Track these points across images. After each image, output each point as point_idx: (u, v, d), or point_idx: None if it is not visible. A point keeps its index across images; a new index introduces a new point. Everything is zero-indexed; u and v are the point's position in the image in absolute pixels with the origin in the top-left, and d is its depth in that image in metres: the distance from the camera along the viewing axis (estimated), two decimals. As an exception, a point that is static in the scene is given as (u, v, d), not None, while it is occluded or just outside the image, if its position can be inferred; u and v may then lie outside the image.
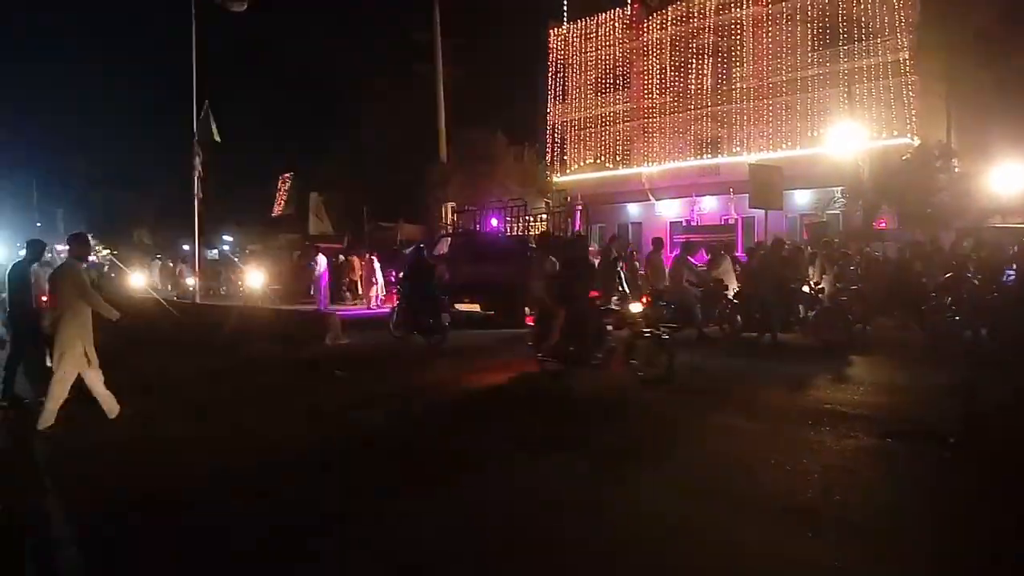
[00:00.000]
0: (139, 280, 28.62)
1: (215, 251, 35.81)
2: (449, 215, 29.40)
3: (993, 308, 10.93)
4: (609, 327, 9.29)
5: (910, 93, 25.21)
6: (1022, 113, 20.64)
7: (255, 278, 23.36)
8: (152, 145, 43.86)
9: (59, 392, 6.86)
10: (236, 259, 31.27)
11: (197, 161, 21.28)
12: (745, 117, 29.15)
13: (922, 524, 4.70)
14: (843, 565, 4.11)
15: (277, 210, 41.53)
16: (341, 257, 26.01)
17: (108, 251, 42.99)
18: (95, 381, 7.09)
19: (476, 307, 20.17)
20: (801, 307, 12.68)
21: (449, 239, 22.61)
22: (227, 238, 39.22)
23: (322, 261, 20.82)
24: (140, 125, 46.62)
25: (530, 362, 9.82)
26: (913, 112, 25.07)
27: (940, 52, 22.86)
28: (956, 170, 21.45)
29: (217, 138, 21.54)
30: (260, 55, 48.34)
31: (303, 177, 38.63)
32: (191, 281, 25.31)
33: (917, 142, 23.66)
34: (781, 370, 10.10)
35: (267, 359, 12.09)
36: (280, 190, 42.14)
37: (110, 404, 7.18)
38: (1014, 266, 12.36)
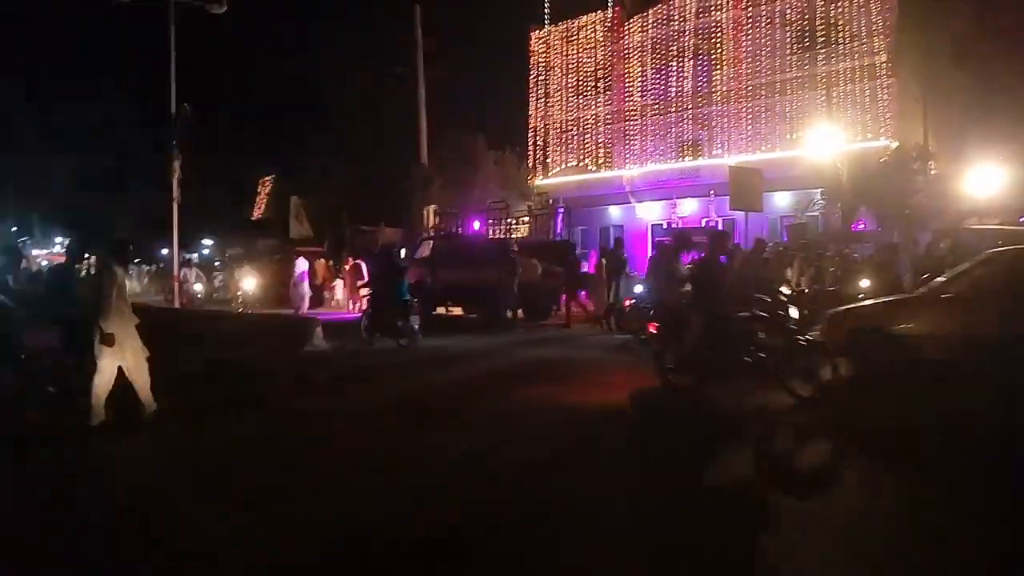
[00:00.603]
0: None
1: (195, 255, 35.51)
2: (431, 218, 29.33)
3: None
4: (761, 335, 7.98)
5: (887, 96, 25.52)
6: (997, 116, 20.90)
7: (249, 283, 23.04)
8: (131, 149, 43.44)
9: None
10: (217, 263, 31.03)
11: (176, 164, 21.04)
12: (725, 120, 29.37)
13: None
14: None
15: (257, 214, 41.29)
16: (322, 261, 25.88)
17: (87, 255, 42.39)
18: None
19: (459, 310, 20.18)
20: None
21: (431, 242, 22.60)
22: (206, 242, 38.93)
23: (301, 265, 20.69)
24: (118, 128, 46.16)
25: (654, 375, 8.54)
26: (890, 115, 25.37)
27: (917, 56, 23.12)
28: (933, 172, 21.70)
29: (188, 112, 20.73)
30: (240, 57, 48.00)
31: (283, 180, 38.42)
32: (199, 287, 24.84)
33: (895, 145, 23.91)
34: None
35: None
36: (260, 193, 41.89)
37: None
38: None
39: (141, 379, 7.18)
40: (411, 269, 22.10)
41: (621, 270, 18.03)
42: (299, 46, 40.42)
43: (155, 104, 23.07)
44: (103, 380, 6.98)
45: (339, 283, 24.51)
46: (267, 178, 41.06)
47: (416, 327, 13.38)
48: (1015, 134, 20.61)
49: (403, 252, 19.92)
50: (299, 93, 37.52)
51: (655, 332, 9.20)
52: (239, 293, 23.45)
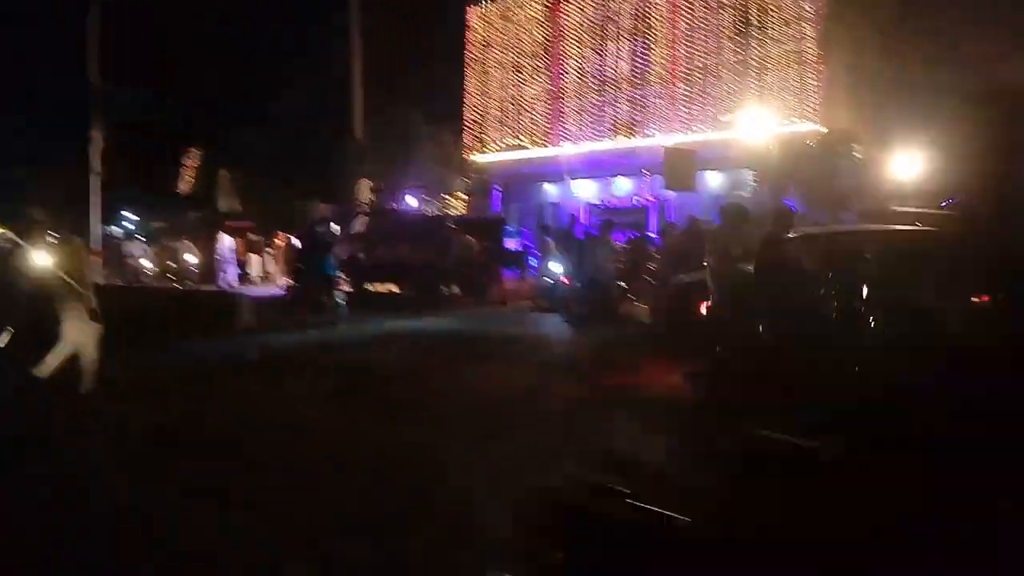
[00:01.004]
0: (43, 260, 26.69)
1: (118, 229, 34.03)
2: (365, 193, 28.83)
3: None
4: None
5: (816, 82, 26.10)
6: (918, 105, 21.66)
7: (190, 257, 21.76)
8: (52, 120, 41.24)
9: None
10: (143, 237, 29.84)
11: (97, 135, 20.08)
12: (660, 101, 29.59)
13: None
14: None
15: (183, 187, 39.84)
16: (252, 236, 25.17)
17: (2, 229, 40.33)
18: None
19: (393, 288, 19.93)
20: None
21: (365, 218, 22.23)
22: (129, 216, 37.41)
23: (226, 240, 20.05)
24: (37, 99, 43.68)
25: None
26: (818, 100, 25.97)
27: (845, 44, 23.70)
28: (858, 156, 22.36)
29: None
30: (165, 25, 45.99)
31: (211, 153, 37.13)
32: (146, 263, 22.22)
33: (823, 129, 24.51)
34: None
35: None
36: (186, 166, 40.41)
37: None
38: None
39: (85, 354, 7.11)
40: (345, 245, 21.81)
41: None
42: (228, 14, 38.90)
43: (77, 77, 21.90)
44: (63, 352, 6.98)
45: (253, 258, 23.63)
46: (193, 150, 39.61)
47: (343, 303, 13.27)
48: (934, 121, 21.41)
49: (336, 228, 19.54)
50: (229, 63, 36.24)
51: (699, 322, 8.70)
52: (175, 267, 22.25)
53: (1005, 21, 20.71)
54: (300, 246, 15.41)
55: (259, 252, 24.15)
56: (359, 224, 21.52)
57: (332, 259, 13.77)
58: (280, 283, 21.66)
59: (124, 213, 36.64)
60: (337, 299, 13.16)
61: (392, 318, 14.52)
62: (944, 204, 17.55)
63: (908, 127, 21.41)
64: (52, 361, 6.89)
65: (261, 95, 34.71)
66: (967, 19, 21.27)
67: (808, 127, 25.33)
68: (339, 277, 13.66)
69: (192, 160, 39.61)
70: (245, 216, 30.13)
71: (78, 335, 6.89)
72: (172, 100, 36.05)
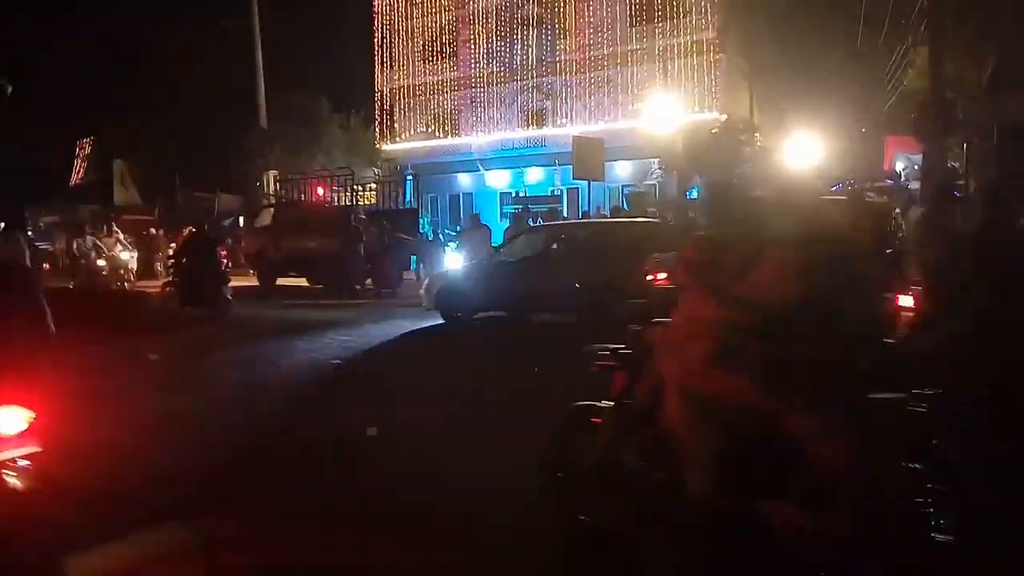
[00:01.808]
0: None
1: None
2: (271, 184, 28.02)
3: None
4: None
5: (716, 71, 26.86)
6: (813, 93, 22.58)
7: (127, 255, 19.63)
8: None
9: None
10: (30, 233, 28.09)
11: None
12: (568, 90, 29.84)
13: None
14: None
15: (76, 179, 37.81)
16: (152, 231, 24.10)
17: None
18: None
19: (302, 280, 19.49)
20: None
21: (272, 209, 21.63)
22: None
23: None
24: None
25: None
26: (719, 89, 26.75)
27: (742, 34, 24.46)
28: (759, 144, 23.13)
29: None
30: (56, 8, 43.35)
31: (105, 142, 35.31)
32: (126, 256, 19.23)
33: (724, 117, 25.25)
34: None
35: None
36: (79, 156, 38.34)
37: None
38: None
39: None
40: (250, 238, 21.18)
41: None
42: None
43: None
44: None
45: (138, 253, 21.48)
46: (86, 140, 37.59)
47: (228, 297, 13.06)
48: (827, 110, 22.37)
49: (241, 220, 18.94)
50: (122, 46, 34.45)
51: None
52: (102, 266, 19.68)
53: (897, 11, 21.79)
54: (186, 239, 14.76)
55: (151, 247, 22.60)
56: (265, 216, 20.93)
57: (218, 254, 13.44)
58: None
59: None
60: (226, 293, 12.90)
61: (303, 312, 14.22)
62: (835, 188, 18.43)
63: (803, 115, 22.31)
64: None
65: (159, 82, 33.19)
66: (858, 11, 22.30)
67: (710, 116, 26.06)
68: (225, 271, 13.54)
69: (84, 151, 37.62)
70: (145, 209, 28.84)
71: None
72: (60, 87, 34.14)
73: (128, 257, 19.15)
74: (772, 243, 2.92)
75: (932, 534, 2.59)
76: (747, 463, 2.68)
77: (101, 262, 18.00)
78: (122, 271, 18.59)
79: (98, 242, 18.23)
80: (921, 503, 2.68)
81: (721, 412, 2.72)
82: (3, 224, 11.92)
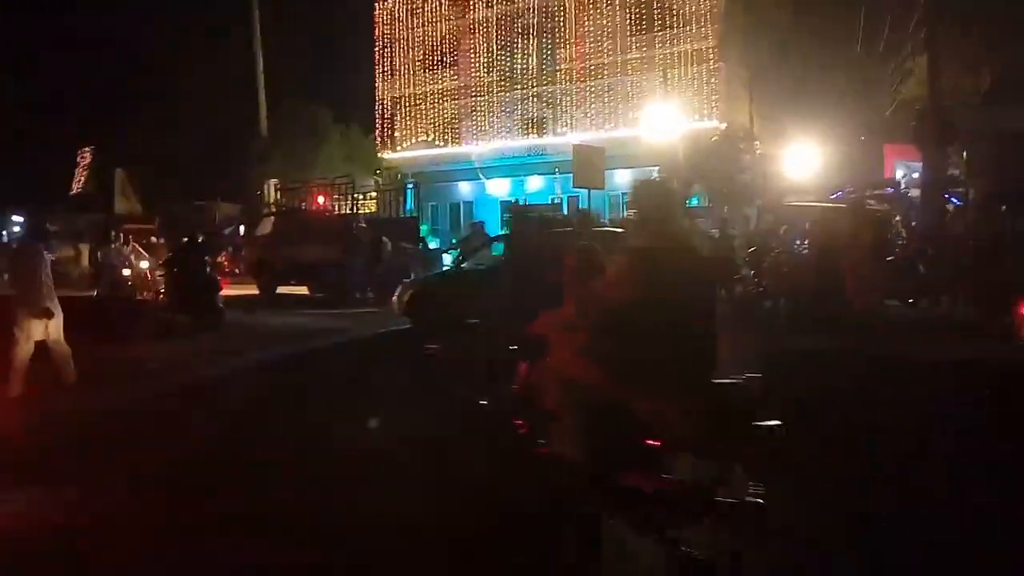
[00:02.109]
0: None
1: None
2: (272, 193, 28.10)
3: (790, 279, 11.89)
4: None
5: (716, 80, 26.98)
6: (812, 102, 22.69)
7: (145, 264, 19.28)
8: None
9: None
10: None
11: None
12: (569, 98, 29.96)
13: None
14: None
15: (76, 188, 37.90)
16: (152, 240, 24.15)
17: None
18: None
19: (303, 288, 19.51)
20: None
21: (272, 218, 21.68)
22: (17, 219, 35.31)
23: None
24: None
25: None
26: (718, 98, 26.85)
27: (742, 43, 24.61)
28: (758, 152, 23.23)
29: None
30: (57, 15, 43.60)
31: (106, 151, 35.42)
32: (144, 265, 19.03)
33: (723, 126, 25.32)
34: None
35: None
36: (80, 165, 38.44)
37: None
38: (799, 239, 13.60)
39: (63, 350, 7.55)
40: (251, 247, 21.22)
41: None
42: (125, 5, 37.15)
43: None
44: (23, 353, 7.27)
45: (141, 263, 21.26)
46: (87, 148, 37.70)
47: (220, 306, 13.03)
48: (826, 118, 22.46)
49: (241, 229, 18.98)
50: (125, 56, 34.66)
51: None
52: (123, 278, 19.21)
53: (896, 20, 21.88)
54: (179, 248, 14.58)
55: (152, 256, 22.43)
56: (266, 225, 20.98)
57: (208, 263, 13.42)
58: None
59: (15, 218, 34.61)
60: (218, 302, 12.88)
61: (309, 320, 14.23)
62: (834, 195, 18.50)
63: (802, 123, 22.41)
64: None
65: (160, 91, 33.35)
66: (857, 21, 22.42)
67: (711, 124, 26.14)
68: (217, 279, 13.51)
69: (84, 159, 37.72)
70: (146, 218, 28.91)
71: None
72: (64, 96, 34.31)
73: (146, 267, 18.87)
74: (619, 254, 3.56)
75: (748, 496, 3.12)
76: (605, 438, 3.30)
77: (126, 271, 17.78)
78: (148, 280, 18.13)
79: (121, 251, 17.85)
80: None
81: (585, 396, 3.35)
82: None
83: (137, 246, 19.14)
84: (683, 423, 3.15)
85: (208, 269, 13.29)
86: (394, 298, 12.79)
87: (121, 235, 18.78)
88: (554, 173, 28.04)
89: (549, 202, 28.90)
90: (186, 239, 14.27)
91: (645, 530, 3.32)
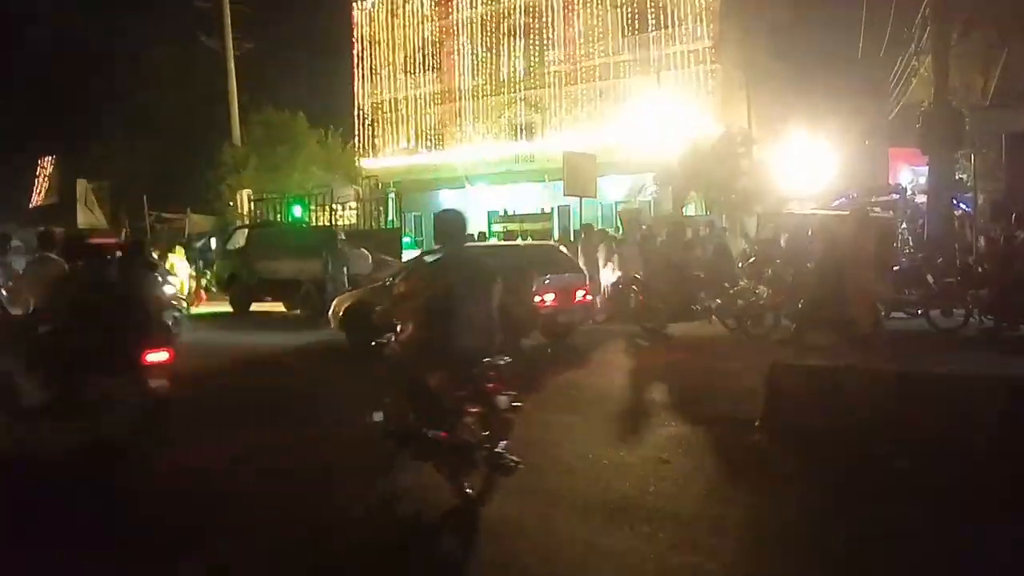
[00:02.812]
0: None
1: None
2: (245, 204, 27.95)
3: (793, 291, 11.86)
4: None
5: (712, 82, 27.14)
6: (813, 103, 22.86)
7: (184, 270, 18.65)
8: None
9: None
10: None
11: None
12: (558, 102, 30.04)
13: (735, 511, 4.98)
14: (658, 554, 4.30)
15: (37, 199, 37.67)
16: (118, 254, 23.97)
17: None
18: None
19: (280, 305, 19.39)
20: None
21: (246, 231, 21.56)
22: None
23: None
24: None
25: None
26: (716, 100, 27.01)
27: (739, 44, 24.80)
28: (757, 157, 23.35)
29: None
30: (14, 19, 43.47)
31: (69, 161, 35.25)
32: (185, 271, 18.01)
33: (721, 129, 25.41)
34: (584, 356, 11.07)
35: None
36: (40, 176, 38.23)
37: None
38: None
39: None
40: (223, 261, 21.09)
41: None
42: (86, 8, 37.04)
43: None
44: None
45: None
46: (48, 158, 37.51)
47: (181, 319, 13.01)
48: (828, 121, 22.61)
49: (213, 242, 18.85)
50: (88, 62, 34.50)
51: None
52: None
53: (899, 19, 22.10)
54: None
55: None
56: (239, 238, 20.87)
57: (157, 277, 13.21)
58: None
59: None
60: (179, 317, 12.81)
61: (281, 338, 14.14)
62: (837, 202, 18.59)
63: (803, 126, 22.56)
64: None
65: (127, 99, 33.23)
66: (859, 19, 22.62)
67: (707, 128, 26.21)
68: (181, 296, 13.46)
69: (46, 169, 37.53)
70: (110, 232, 28.70)
71: None
72: (22, 103, 34.12)
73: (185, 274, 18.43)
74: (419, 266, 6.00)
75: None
76: (420, 404, 5.15)
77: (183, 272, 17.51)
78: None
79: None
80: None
81: (404, 372, 5.25)
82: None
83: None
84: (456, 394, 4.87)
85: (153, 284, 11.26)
86: (329, 312, 12.73)
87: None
88: (544, 181, 28.06)
89: (539, 212, 28.96)
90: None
91: (441, 470, 5.05)
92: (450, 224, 5.18)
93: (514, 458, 4.73)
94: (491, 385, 4.78)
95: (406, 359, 5.19)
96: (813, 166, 22.58)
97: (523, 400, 5.07)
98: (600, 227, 20.19)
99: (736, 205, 22.36)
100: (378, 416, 5.43)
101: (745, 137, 23.66)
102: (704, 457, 6.19)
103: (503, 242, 18.91)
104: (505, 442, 4.78)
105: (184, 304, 14.74)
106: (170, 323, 10.15)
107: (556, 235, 27.20)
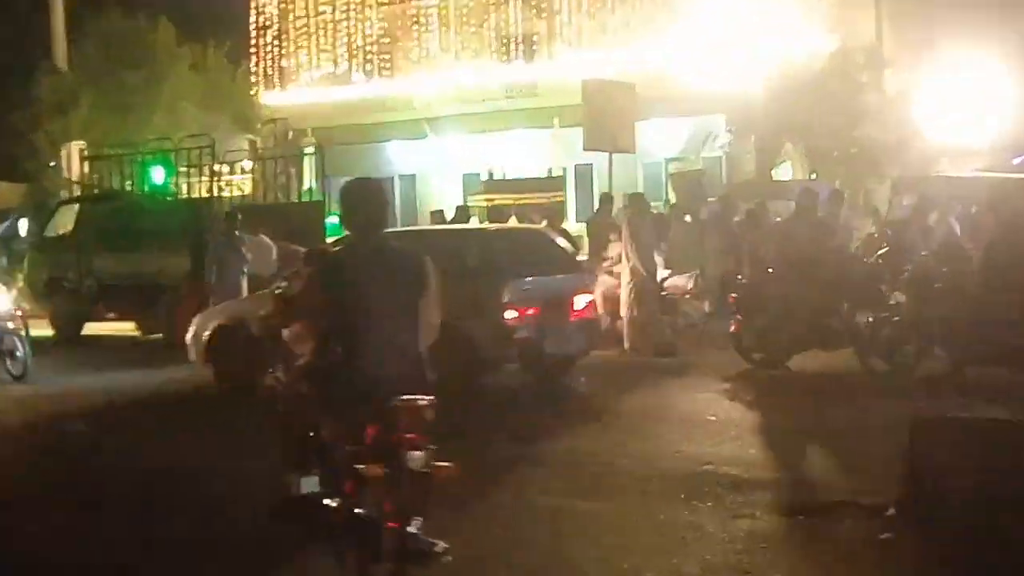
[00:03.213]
0: None
1: None
2: (75, 164, 27.99)
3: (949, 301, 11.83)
4: None
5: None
6: (975, 9, 22.88)
7: None
8: None
9: None
10: None
11: None
12: (573, 4, 30.01)
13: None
14: None
15: None
16: None
17: None
18: None
19: (130, 324, 19.42)
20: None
21: (77, 206, 21.61)
22: None
23: None
24: None
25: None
26: (826, 4, 26.93)
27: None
28: (890, 89, 23.38)
29: None
30: None
31: None
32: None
33: (835, 45, 25.37)
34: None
35: None
36: None
37: None
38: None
39: None
40: (39, 255, 21.12)
41: None
42: None
43: None
44: None
45: None
46: None
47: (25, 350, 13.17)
48: (1002, 37, 22.65)
49: (23, 225, 18.88)
50: None
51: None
52: None
53: None
54: None
55: None
56: (66, 217, 20.92)
57: None
58: None
59: None
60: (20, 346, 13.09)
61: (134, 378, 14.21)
62: (1017, 160, 18.62)
63: (961, 44, 22.59)
64: None
65: None
66: None
67: (813, 42, 26.09)
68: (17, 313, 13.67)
69: None
70: None
71: None
72: None
73: None
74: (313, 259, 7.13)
75: None
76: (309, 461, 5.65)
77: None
78: None
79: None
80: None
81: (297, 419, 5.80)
82: None
83: None
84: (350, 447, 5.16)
85: None
86: (188, 337, 12.97)
87: None
88: (551, 126, 28.09)
89: (546, 176, 29.01)
90: None
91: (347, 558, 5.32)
92: (362, 201, 5.42)
93: (434, 540, 4.92)
94: (403, 434, 4.86)
95: (294, 399, 5.67)
96: (978, 105, 22.64)
97: (460, 460, 5.11)
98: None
99: (857, 164, 22.38)
100: (309, 483, 5.66)
101: (873, 58, 23.69)
102: (801, 567, 6.22)
103: (456, 226, 18.49)
104: (419, 519, 4.96)
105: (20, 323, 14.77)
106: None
107: (573, 213, 27.31)
